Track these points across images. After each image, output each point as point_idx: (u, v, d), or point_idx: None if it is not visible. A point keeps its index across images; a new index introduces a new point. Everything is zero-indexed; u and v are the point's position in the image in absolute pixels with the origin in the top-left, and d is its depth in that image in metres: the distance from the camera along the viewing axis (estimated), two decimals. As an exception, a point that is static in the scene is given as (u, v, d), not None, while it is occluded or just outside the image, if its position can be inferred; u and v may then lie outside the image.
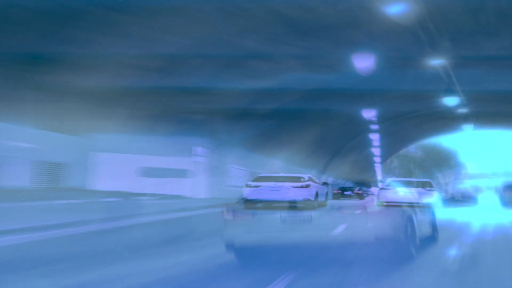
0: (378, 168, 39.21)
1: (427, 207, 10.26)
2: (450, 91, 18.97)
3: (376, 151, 34.72)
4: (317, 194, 7.60)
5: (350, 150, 31.35)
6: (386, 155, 39.33)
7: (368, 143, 32.07)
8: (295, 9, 10.77)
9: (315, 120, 22.96)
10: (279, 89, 17.36)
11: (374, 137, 30.45)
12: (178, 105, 16.02)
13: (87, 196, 13.55)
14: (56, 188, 14.69)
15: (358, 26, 12.01)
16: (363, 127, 27.26)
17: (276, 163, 24.13)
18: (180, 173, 18.16)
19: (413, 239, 8.24)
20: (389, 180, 8.82)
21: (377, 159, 37.31)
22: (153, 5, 10.36)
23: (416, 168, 62.49)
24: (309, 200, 7.51)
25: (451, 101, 20.20)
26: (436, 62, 14.89)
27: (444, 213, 19.53)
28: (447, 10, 11.69)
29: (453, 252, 9.46)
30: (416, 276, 7.02)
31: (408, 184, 10.97)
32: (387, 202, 8.01)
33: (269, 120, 21.18)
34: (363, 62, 14.17)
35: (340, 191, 18.97)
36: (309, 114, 21.39)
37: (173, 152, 17.68)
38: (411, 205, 8.80)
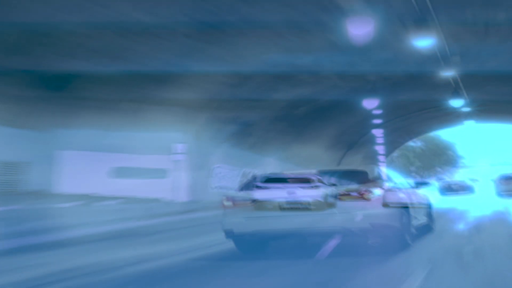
0: (383, 164, 40.38)
1: (424, 198, 10.64)
2: (456, 95, 22.06)
3: (382, 146, 36.45)
4: (326, 195, 7.68)
5: (360, 146, 33.90)
6: (391, 150, 41.93)
7: (376, 139, 34.53)
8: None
9: (320, 111, 23.51)
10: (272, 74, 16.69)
11: (382, 133, 33.00)
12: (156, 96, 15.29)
13: (37, 201, 12.46)
14: (11, 191, 12.94)
15: (388, 47, 15.13)
16: (373, 124, 29.95)
17: (271, 162, 22.94)
18: (158, 173, 16.68)
19: (409, 228, 8.50)
20: (394, 181, 9.06)
21: (382, 157, 38.34)
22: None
23: (416, 158, 65.00)
24: (318, 201, 7.65)
25: (457, 103, 23.29)
26: (448, 73, 18.00)
27: (443, 202, 22.52)
28: (460, 37, 14.79)
29: (461, 226, 12.66)
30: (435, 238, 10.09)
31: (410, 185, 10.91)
32: (392, 203, 8.09)
33: (262, 113, 21.01)
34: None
35: (347, 192, 21.38)
36: (310, 103, 21.80)
37: (150, 149, 16.30)
38: (413, 205, 9.08)
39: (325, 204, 7.62)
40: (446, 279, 5.97)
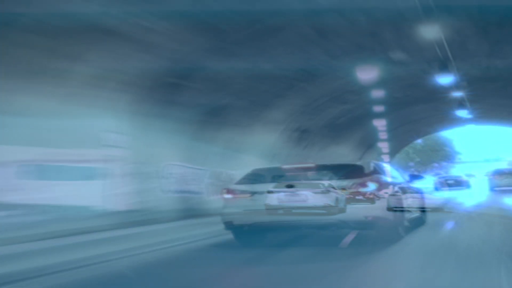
0: (388, 160, 42.78)
1: (417, 191, 10.90)
2: (462, 107, 27.83)
3: (394, 145, 39.42)
4: (337, 200, 7.68)
5: (377, 145, 39.20)
6: (400, 147, 46.19)
7: (389, 140, 38.99)
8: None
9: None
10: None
11: (395, 134, 37.79)
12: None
13: None
14: None
15: (414, 77, 21.00)
16: (389, 127, 35.29)
17: (251, 160, 18.13)
18: (86, 173, 12.64)
19: (402, 221, 8.67)
20: (389, 175, 9.16)
21: (392, 154, 40.46)
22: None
23: (415, 154, 69.12)
24: (329, 205, 7.66)
25: (461, 113, 29.07)
26: (457, 93, 23.86)
27: (445, 195, 27.05)
28: (469, 71, 20.61)
29: (466, 206, 18.43)
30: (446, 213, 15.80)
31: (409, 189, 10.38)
32: (396, 208, 8.29)
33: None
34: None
35: (352, 196, 23.87)
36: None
37: (74, 141, 12.16)
38: (407, 200, 9.33)
39: (337, 209, 7.68)
40: (466, 223, 11.98)
